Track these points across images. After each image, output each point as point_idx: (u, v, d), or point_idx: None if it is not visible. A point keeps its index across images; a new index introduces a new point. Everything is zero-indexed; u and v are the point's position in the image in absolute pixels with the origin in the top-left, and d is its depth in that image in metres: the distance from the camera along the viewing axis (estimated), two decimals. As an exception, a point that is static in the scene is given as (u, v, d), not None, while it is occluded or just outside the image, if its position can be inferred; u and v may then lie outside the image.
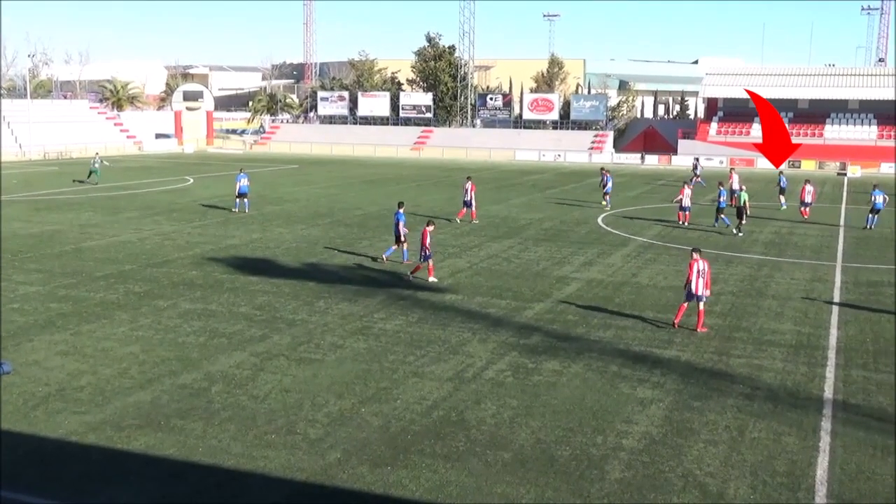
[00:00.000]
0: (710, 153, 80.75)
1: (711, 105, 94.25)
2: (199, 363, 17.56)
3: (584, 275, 27.45)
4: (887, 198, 41.70)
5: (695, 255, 20.65)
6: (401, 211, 28.49)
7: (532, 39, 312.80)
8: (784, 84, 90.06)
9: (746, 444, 13.78)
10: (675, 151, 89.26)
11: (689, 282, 20.57)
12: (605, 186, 46.97)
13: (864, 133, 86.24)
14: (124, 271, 26.76)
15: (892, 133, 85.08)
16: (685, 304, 20.89)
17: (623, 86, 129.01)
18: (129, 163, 76.17)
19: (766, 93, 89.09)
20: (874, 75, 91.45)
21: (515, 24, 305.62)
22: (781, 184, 48.20)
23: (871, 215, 39.98)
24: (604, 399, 15.75)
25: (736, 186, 49.48)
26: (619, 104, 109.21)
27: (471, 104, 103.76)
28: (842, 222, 42.27)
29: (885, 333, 20.71)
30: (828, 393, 16.33)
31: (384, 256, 29.00)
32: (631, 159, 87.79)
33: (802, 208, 42.42)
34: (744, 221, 37.43)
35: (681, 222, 39.99)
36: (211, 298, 23.20)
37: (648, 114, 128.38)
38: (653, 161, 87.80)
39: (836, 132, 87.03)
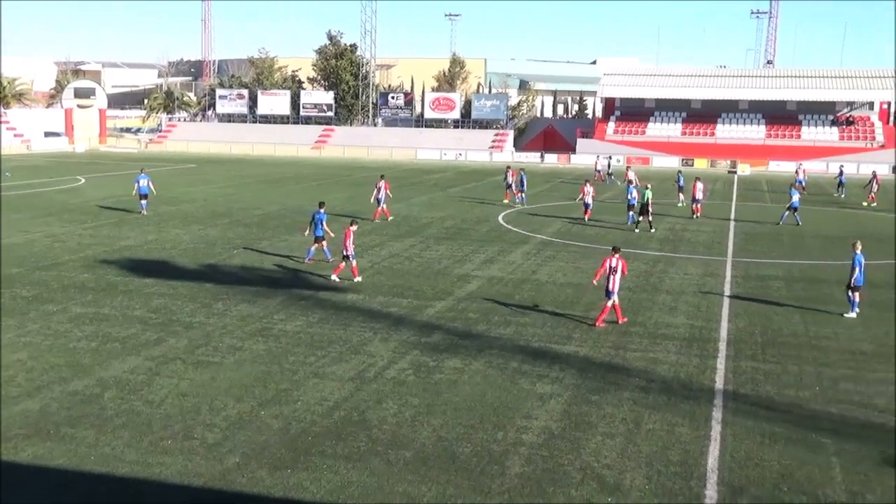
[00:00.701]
0: (609, 152, 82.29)
1: (609, 105, 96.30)
2: (90, 369, 17.02)
3: (485, 273, 27.68)
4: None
5: (613, 253, 21.20)
6: (322, 211, 28.32)
7: (434, 39, 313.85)
8: (678, 84, 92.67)
9: (642, 436, 14.12)
10: (574, 150, 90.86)
11: (598, 278, 21.20)
12: (520, 184, 47.37)
13: (754, 132, 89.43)
14: (10, 275, 25.74)
15: (780, 132, 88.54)
16: (608, 303, 21.29)
17: (523, 85, 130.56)
18: (17, 162, 73.30)
19: (661, 93, 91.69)
20: (763, 77, 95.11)
21: (417, 23, 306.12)
22: (679, 182, 49.58)
23: (787, 212, 41.53)
24: (504, 395, 15.92)
25: (631, 181, 50.75)
26: (519, 103, 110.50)
27: (372, 103, 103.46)
28: (732, 218, 43.70)
29: (773, 325, 21.52)
30: (719, 384, 16.87)
31: (306, 259, 28.62)
32: (531, 158, 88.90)
33: (694, 205, 43.69)
34: (650, 218, 38.32)
35: (586, 219, 40.82)
36: (103, 302, 22.53)
37: (548, 113, 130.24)
38: (552, 160, 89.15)
39: (727, 131, 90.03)
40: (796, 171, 62.10)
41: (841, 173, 57.87)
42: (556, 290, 25.17)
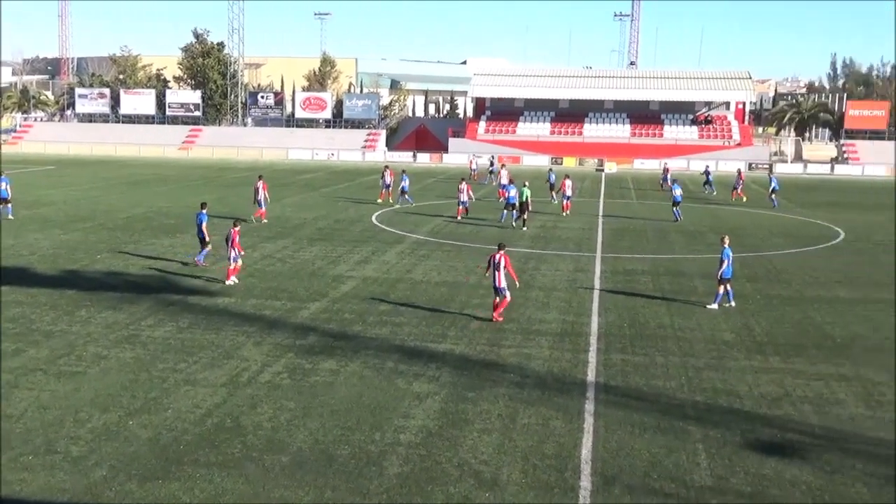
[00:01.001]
0: (480, 151, 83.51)
1: (479, 104, 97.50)
2: (-58, 383, 16.06)
3: (360, 273, 27.57)
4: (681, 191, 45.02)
5: (498, 250, 21.57)
6: (203, 212, 27.63)
7: (303, 38, 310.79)
8: (546, 85, 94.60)
9: (518, 431, 14.33)
10: (446, 150, 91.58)
11: (487, 272, 21.63)
12: (401, 185, 47.17)
13: (619, 131, 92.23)
14: None
15: (644, 131, 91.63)
16: (497, 299, 21.57)
17: (395, 85, 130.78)
18: None
19: (530, 93, 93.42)
20: (626, 77, 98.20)
21: (286, 22, 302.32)
22: (550, 179, 50.62)
23: (675, 209, 42.91)
24: (381, 395, 15.88)
25: (504, 181, 51.53)
26: (391, 103, 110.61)
27: (241, 102, 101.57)
28: (600, 214, 44.93)
29: (640, 318, 22.23)
30: (590, 377, 17.31)
31: (196, 261, 27.76)
32: (403, 157, 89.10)
33: (565, 202, 44.70)
34: (525, 216, 38.96)
35: (459, 217, 41.18)
36: (-44, 312, 21.30)
37: (420, 113, 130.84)
38: (425, 159, 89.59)
39: (594, 130, 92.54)
40: (663, 170, 64.23)
41: (708, 172, 60.25)
42: (430, 289, 25.30)
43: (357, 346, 19.12)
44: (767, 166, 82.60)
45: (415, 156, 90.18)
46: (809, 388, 16.84)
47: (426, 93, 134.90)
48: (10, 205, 38.82)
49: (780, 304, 24.26)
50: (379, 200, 47.77)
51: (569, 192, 44.86)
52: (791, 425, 14.93)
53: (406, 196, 46.87)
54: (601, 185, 65.79)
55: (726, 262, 23.33)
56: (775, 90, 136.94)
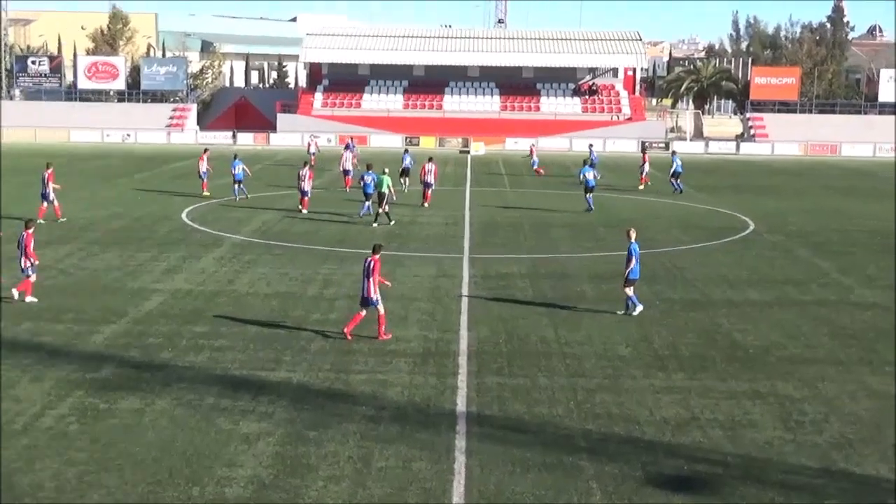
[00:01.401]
0: (318, 129, 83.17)
1: (315, 72, 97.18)
2: None
3: (168, 285, 27.04)
4: (597, 175, 45.85)
5: (372, 254, 21.62)
6: None
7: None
8: (396, 47, 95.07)
9: (373, 477, 14.33)
10: (274, 128, 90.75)
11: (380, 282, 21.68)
12: (233, 173, 46.33)
13: (487, 104, 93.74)
14: None
15: (517, 104, 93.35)
16: (362, 312, 21.55)
17: (207, 47, 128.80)
18: None
19: (377, 57, 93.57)
20: (494, 38, 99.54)
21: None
22: (406, 163, 50.78)
23: (588, 195, 43.98)
24: (200, 440, 15.58)
25: (348, 166, 51.44)
26: (202, 70, 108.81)
27: (6, 69, 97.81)
28: (467, 206, 45.49)
29: (519, 331, 22.61)
30: (461, 405, 17.48)
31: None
32: (220, 139, 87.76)
33: (426, 191, 44.94)
34: (386, 208, 38.95)
35: (302, 210, 40.98)
36: None
37: (240, 82, 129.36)
38: (248, 140, 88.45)
39: (457, 103, 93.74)
40: (530, 152, 65.11)
41: (591, 152, 61.68)
42: (259, 304, 25.02)
43: (167, 377, 18.72)
44: (664, 145, 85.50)
45: (235, 136, 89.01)
46: (719, 409, 17.52)
47: (247, 57, 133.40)
48: None
49: (682, 310, 25.14)
50: (205, 192, 47.01)
51: (430, 179, 45.12)
52: (700, 454, 15.49)
53: (241, 186, 46.16)
54: (467, 170, 66.63)
55: (634, 259, 24.01)
56: (670, 54, 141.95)
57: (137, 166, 64.09)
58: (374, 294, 21.40)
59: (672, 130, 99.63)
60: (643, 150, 61.15)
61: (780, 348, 21.70)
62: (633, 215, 42.63)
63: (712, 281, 28.99)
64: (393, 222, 38.57)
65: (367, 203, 40.39)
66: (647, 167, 55.51)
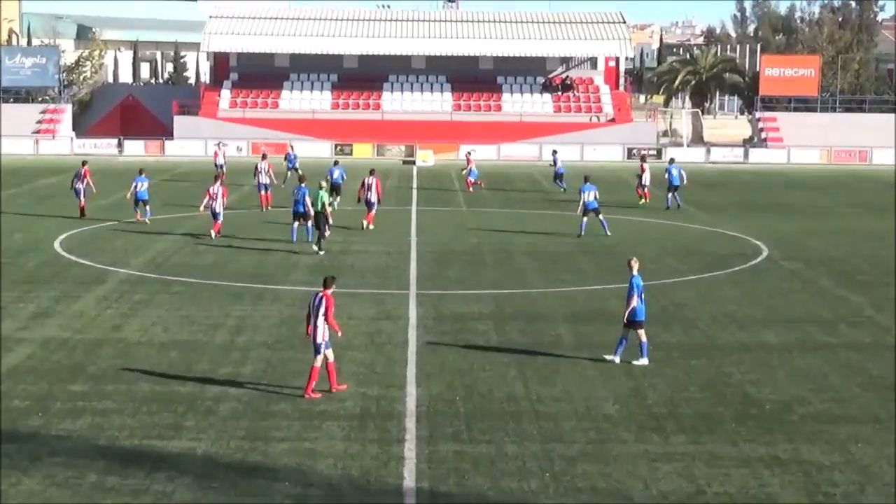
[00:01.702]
0: (225, 136, 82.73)
1: (221, 64, 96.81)
2: None
3: (37, 333, 26.77)
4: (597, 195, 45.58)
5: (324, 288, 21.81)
6: None
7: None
8: (323, 32, 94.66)
9: (300, 572, 14.17)
10: (170, 134, 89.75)
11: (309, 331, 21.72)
12: (133, 188, 46.10)
13: (436, 104, 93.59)
14: None
15: (473, 103, 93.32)
16: (316, 362, 21.72)
17: (84, 33, 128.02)
18: None
19: (298, 45, 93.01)
20: (445, 22, 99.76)
21: None
22: (335, 177, 50.70)
23: (585, 219, 44.02)
24: (79, 529, 15.37)
25: (264, 180, 51.39)
26: (79, 62, 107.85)
27: None
28: (413, 232, 45.43)
29: (480, 387, 22.53)
30: (409, 480, 17.38)
31: None
32: (102, 147, 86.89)
33: (369, 211, 44.73)
34: (327, 233, 39.00)
35: (214, 234, 41.21)
36: None
37: (126, 77, 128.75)
38: (137, 149, 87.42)
39: (399, 102, 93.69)
40: (467, 160, 64.47)
41: (555, 161, 61.85)
42: (154, 355, 24.80)
43: (36, 450, 18.48)
44: (655, 152, 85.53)
45: (121, 144, 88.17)
46: (730, 481, 17.53)
47: (135, 45, 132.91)
48: None
49: (682, 357, 25.23)
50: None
51: (373, 197, 45.01)
52: (707, 537, 15.49)
53: (146, 208, 46.08)
54: (412, 184, 66.57)
55: (636, 295, 24.05)
56: (661, 40, 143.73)
57: (-2, 183, 63.33)
58: (320, 337, 21.45)
59: (665, 134, 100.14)
60: (642, 159, 61.62)
61: (804, 403, 21.79)
62: (618, 239, 42.76)
63: (718, 320, 29.12)
64: (322, 252, 38.41)
65: (295, 224, 40.34)
66: (647, 178, 55.76)
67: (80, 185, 48.18)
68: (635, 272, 24.46)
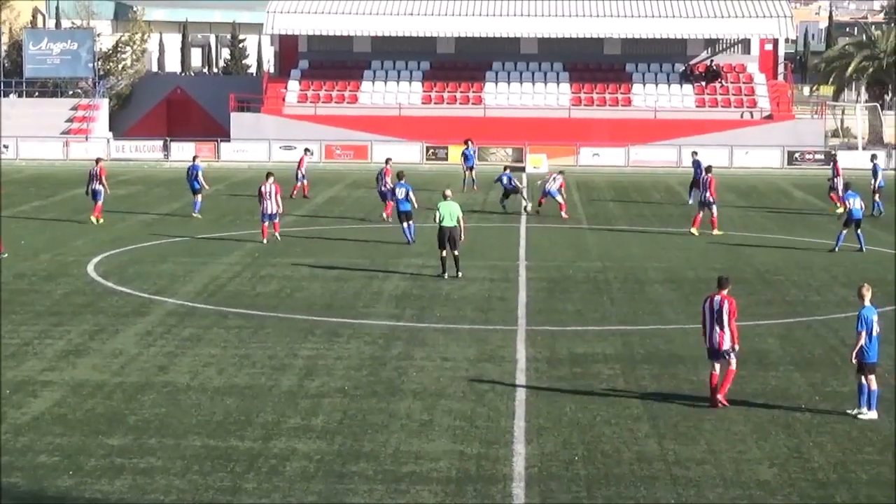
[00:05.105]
0: (292, 137, 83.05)
1: (288, 49, 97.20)
2: None
3: (67, 375, 27.11)
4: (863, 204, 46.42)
5: None
6: None
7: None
8: (411, 11, 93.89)
9: None
10: (225, 134, 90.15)
11: None
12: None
13: (551, 97, 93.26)
14: None
15: (596, 96, 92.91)
16: (715, 369, 23.68)
17: (124, 13, 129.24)
18: None
19: (381, 26, 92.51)
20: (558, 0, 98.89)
21: None
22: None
23: (854, 231, 44.90)
24: None
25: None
26: (117, 47, 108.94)
27: None
28: (522, 254, 45.46)
29: (604, 443, 22.50)
30: (517, 559, 17.43)
31: None
32: (146, 153, 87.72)
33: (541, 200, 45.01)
34: (456, 252, 39.09)
35: (275, 236, 42.50)
36: None
37: (174, 66, 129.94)
38: (186, 153, 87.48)
39: (505, 95, 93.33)
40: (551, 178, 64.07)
41: (697, 165, 61.03)
42: (206, 403, 25.03)
43: (67, 516, 18.77)
44: (822, 156, 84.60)
45: (167, 147, 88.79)
46: (916, 564, 17.37)
47: (184, 27, 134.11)
48: None
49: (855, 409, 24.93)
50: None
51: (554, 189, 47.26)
52: None
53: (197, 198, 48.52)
54: (523, 194, 66.48)
55: (865, 332, 23.81)
56: (830, 18, 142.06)
57: (19, 194, 64.28)
58: (731, 343, 23.66)
59: (835, 135, 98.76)
60: (834, 160, 61.32)
61: None
62: (772, 261, 42.44)
63: (901, 365, 28.78)
64: (460, 274, 38.97)
65: (405, 225, 41.57)
66: (840, 182, 56.76)
67: (98, 187, 48.99)
68: (866, 303, 24.23)
